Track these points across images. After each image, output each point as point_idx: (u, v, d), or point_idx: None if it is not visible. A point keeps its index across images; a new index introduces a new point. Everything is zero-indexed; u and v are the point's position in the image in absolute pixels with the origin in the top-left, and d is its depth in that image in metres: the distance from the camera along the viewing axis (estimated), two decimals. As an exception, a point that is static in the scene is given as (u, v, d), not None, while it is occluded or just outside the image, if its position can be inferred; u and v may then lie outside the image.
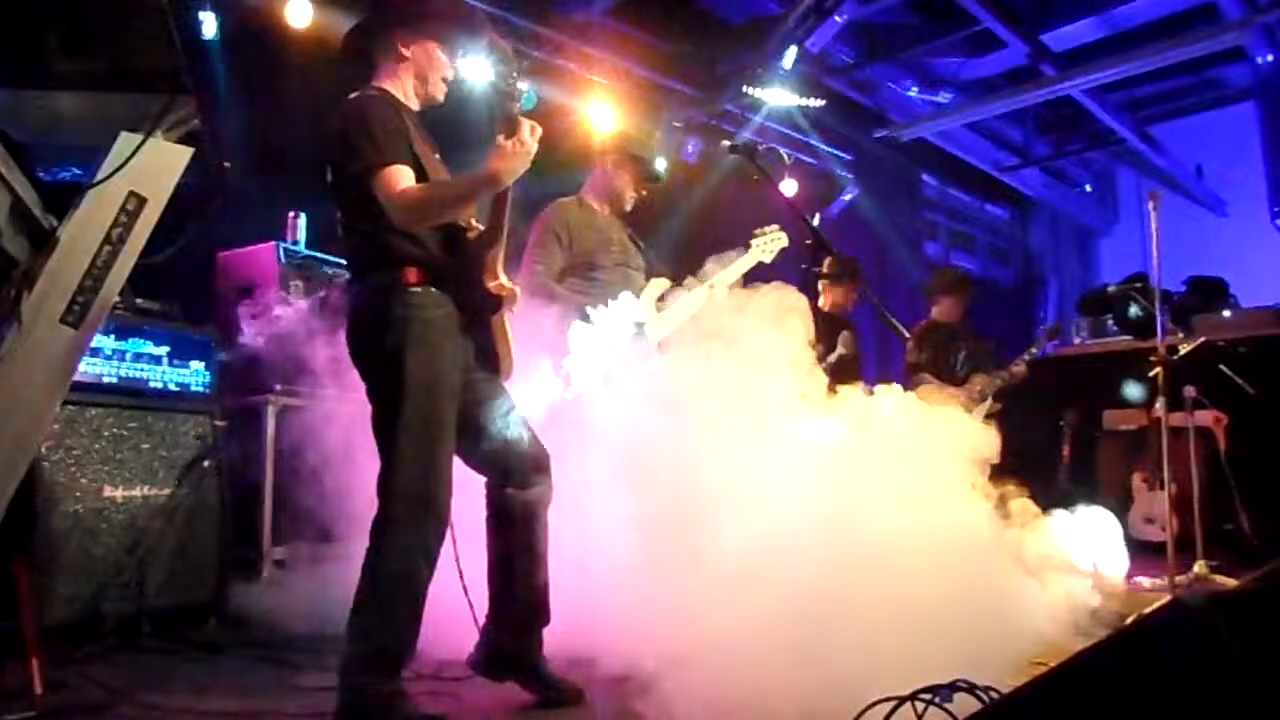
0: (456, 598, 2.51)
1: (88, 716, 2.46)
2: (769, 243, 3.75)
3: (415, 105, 2.54)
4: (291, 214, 4.30)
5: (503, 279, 2.50)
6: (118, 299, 2.56)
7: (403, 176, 2.30)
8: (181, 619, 3.42)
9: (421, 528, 2.28)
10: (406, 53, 2.51)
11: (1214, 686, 1.41)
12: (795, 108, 7.02)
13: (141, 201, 2.18)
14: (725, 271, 3.59)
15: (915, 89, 8.07)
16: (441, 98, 2.58)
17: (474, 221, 2.50)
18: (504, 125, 2.26)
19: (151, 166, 2.16)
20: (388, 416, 2.32)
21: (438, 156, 2.52)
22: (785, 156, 6.08)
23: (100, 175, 2.08)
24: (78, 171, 2.28)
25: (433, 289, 2.38)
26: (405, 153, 2.34)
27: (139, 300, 3.48)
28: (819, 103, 7.05)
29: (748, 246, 3.72)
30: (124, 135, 2.09)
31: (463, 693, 2.59)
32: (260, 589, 3.66)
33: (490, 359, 2.55)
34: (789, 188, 6.61)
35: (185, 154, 2.23)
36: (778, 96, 6.70)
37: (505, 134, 2.25)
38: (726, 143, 4.06)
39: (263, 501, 3.80)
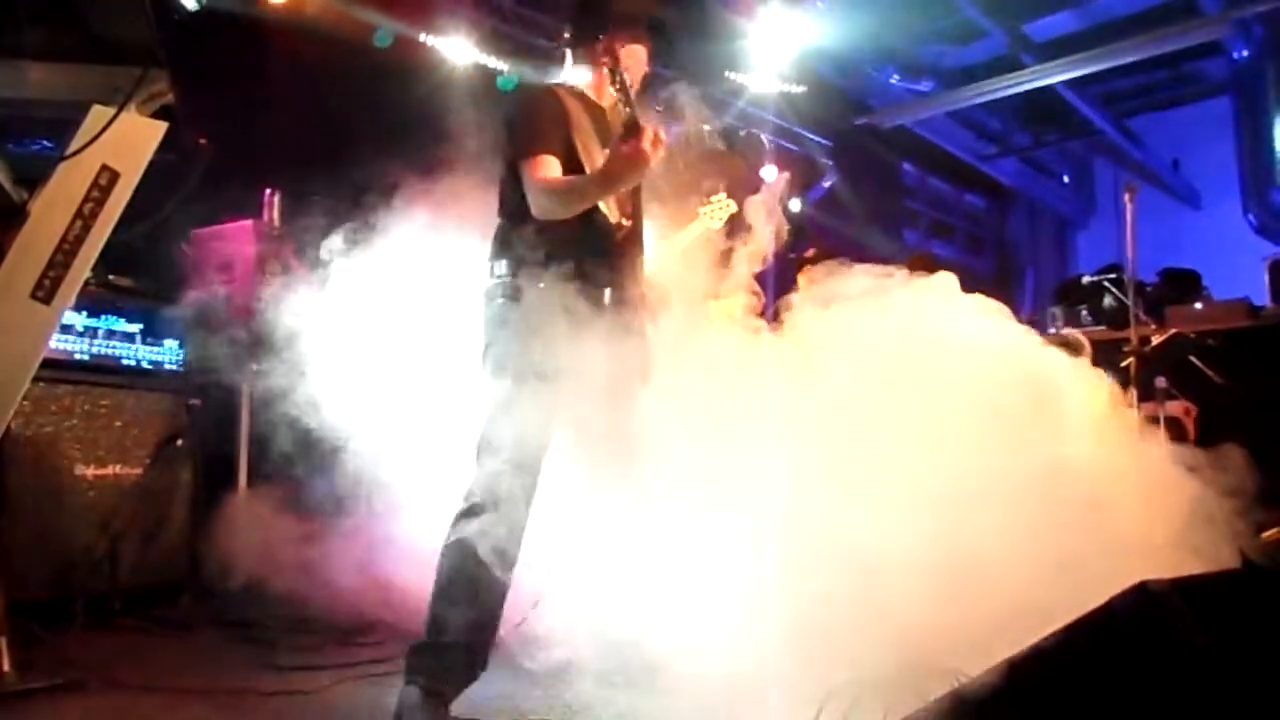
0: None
1: (58, 696, 2.44)
2: (716, 210, 3.76)
3: (601, 100, 2.55)
4: (268, 191, 4.26)
5: (644, 284, 2.50)
6: (90, 275, 2.52)
7: (545, 164, 2.32)
8: (154, 597, 3.40)
9: (495, 521, 2.25)
10: (589, 49, 2.54)
11: (1178, 670, 1.44)
12: (777, 93, 7.01)
13: (115, 176, 2.15)
14: (674, 238, 3.60)
15: (896, 77, 8.09)
16: (616, 93, 2.46)
17: (624, 221, 2.48)
18: (625, 129, 2.25)
19: (125, 140, 2.13)
20: (486, 404, 2.33)
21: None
22: (765, 142, 6.10)
23: (72, 148, 2.05)
24: (48, 144, 2.25)
25: (546, 283, 2.35)
26: (555, 142, 2.35)
27: (111, 276, 3.44)
28: (801, 89, 7.05)
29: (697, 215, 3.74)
30: (96, 108, 2.06)
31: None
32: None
33: (632, 364, 2.47)
34: (769, 173, 6.61)
35: (160, 128, 2.20)
36: (759, 82, 6.69)
37: (624, 137, 2.23)
38: (707, 127, 4.06)
39: (236, 481, 3.77)
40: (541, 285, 2.34)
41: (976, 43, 7.55)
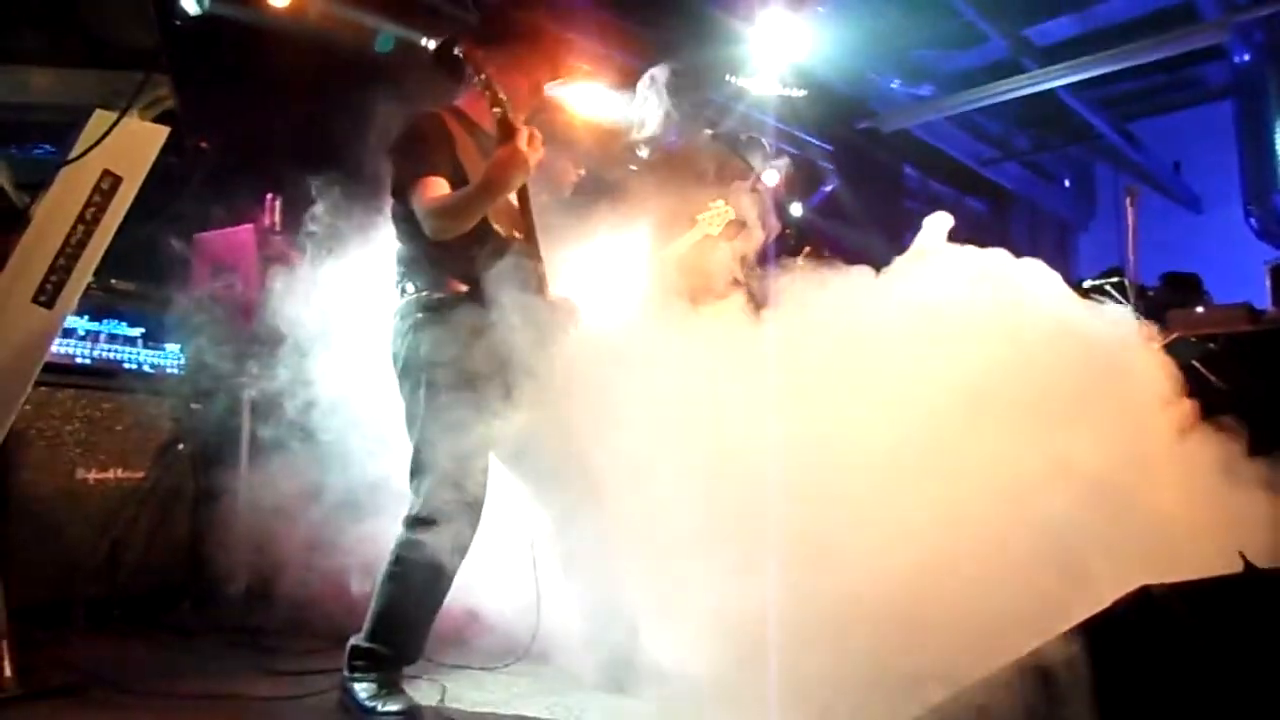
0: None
1: (58, 701, 2.44)
2: (715, 217, 3.78)
3: (482, 120, 2.53)
4: (269, 196, 4.26)
5: (551, 293, 2.50)
6: (92, 279, 2.53)
7: (433, 186, 2.33)
8: (154, 602, 3.39)
9: (438, 533, 2.30)
10: (473, 72, 2.50)
11: (1179, 672, 1.44)
12: (778, 97, 7.01)
13: (116, 180, 2.16)
14: (671, 246, 3.62)
15: (897, 81, 8.09)
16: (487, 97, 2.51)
17: (516, 233, 2.49)
18: (500, 131, 2.27)
19: (127, 145, 2.14)
20: (411, 415, 2.38)
21: None
22: (767, 146, 6.08)
23: (74, 153, 2.05)
24: (50, 149, 2.25)
25: (462, 297, 2.39)
26: (442, 164, 2.36)
27: (114, 281, 3.44)
28: (801, 93, 7.05)
29: (695, 222, 3.75)
30: (98, 113, 2.07)
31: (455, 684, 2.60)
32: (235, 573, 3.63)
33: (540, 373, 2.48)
34: (770, 177, 6.61)
35: (161, 133, 2.21)
36: (761, 86, 6.69)
37: (500, 140, 2.26)
38: (709, 131, 4.07)
39: (238, 485, 3.76)
40: (445, 301, 2.37)
41: (977, 47, 7.55)
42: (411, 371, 2.40)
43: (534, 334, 2.39)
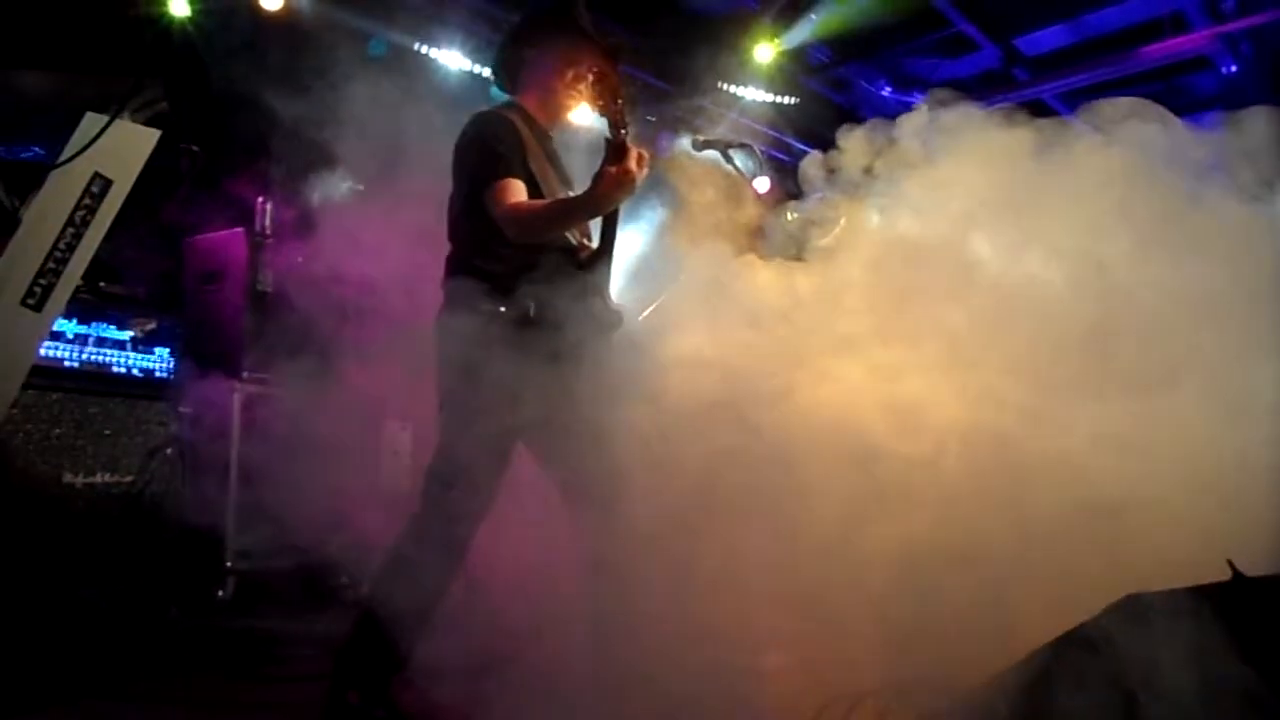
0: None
1: (44, 703, 2.42)
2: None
3: (547, 123, 2.52)
4: (260, 200, 4.25)
5: (609, 302, 2.47)
6: (81, 282, 2.52)
7: (514, 190, 2.30)
8: (142, 606, 3.37)
9: (449, 534, 2.29)
10: (533, 70, 2.51)
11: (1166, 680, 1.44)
12: (770, 104, 7.04)
13: (107, 183, 2.16)
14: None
15: (889, 89, 8.13)
16: (568, 116, 2.53)
17: (586, 241, 2.47)
18: (610, 151, 2.23)
19: (118, 148, 2.13)
20: (442, 420, 2.35)
21: (564, 188, 2.48)
22: (759, 153, 6.09)
23: (65, 156, 2.04)
24: (41, 151, 2.24)
25: (502, 311, 2.32)
26: (518, 168, 2.33)
27: (103, 284, 3.42)
28: (793, 100, 7.08)
29: None
30: (89, 115, 2.06)
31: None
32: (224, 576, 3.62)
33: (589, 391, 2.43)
34: (762, 184, 6.63)
35: (153, 136, 2.21)
36: (753, 93, 6.72)
37: (610, 160, 2.22)
38: (700, 138, 4.06)
39: (228, 490, 3.75)
40: (496, 314, 2.31)
41: (968, 56, 7.60)
42: (447, 374, 2.36)
43: (580, 347, 2.34)
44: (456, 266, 2.43)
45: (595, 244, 2.47)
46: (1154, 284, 2.47)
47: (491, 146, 2.34)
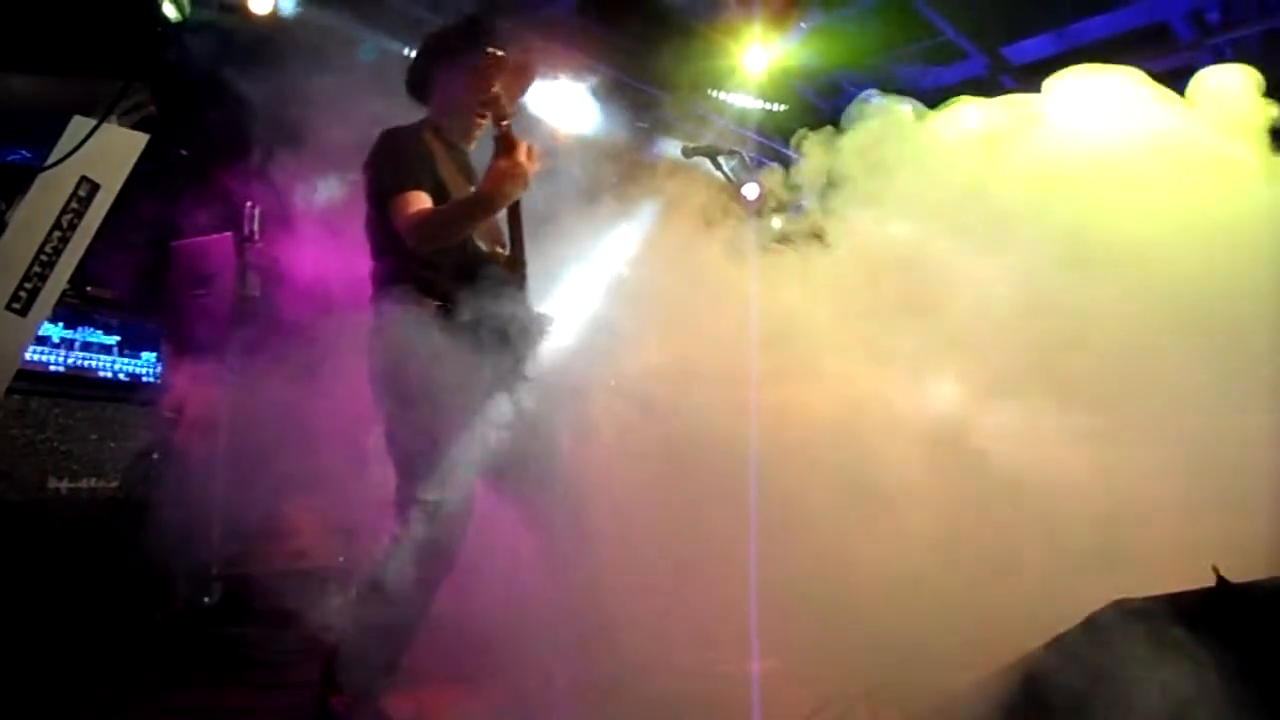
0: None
1: (30, 711, 2.40)
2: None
3: (458, 139, 2.53)
4: (248, 204, 4.23)
5: (530, 309, 2.47)
6: (67, 286, 2.50)
7: (416, 201, 2.29)
8: (128, 613, 3.35)
9: (431, 541, 2.28)
10: (439, 86, 2.52)
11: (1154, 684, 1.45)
12: (758, 111, 7.07)
13: (94, 187, 2.15)
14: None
15: (878, 96, 8.16)
16: (479, 132, 2.54)
17: (500, 250, 2.47)
18: (498, 145, 2.24)
19: (105, 152, 2.12)
20: (390, 432, 2.34)
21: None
22: (748, 159, 6.11)
23: (52, 159, 2.03)
24: (28, 155, 2.23)
25: (435, 314, 2.34)
26: (424, 177, 2.33)
27: (89, 288, 3.40)
28: (782, 107, 7.11)
29: None
30: (77, 119, 2.05)
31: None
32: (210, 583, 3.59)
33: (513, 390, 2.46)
34: (751, 191, 6.65)
35: (141, 140, 2.20)
36: (743, 100, 6.74)
37: (499, 153, 2.23)
38: (690, 145, 4.07)
39: (214, 495, 3.73)
40: (420, 322, 2.32)
41: (956, 64, 7.64)
42: (387, 388, 2.37)
43: (507, 351, 2.36)
44: (380, 281, 2.43)
45: (507, 250, 2.47)
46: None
47: (394, 160, 2.35)
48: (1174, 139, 2.57)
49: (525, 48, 2.55)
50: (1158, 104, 2.70)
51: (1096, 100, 2.78)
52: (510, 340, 2.40)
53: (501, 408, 2.41)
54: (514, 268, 2.45)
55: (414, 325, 2.33)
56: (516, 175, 2.22)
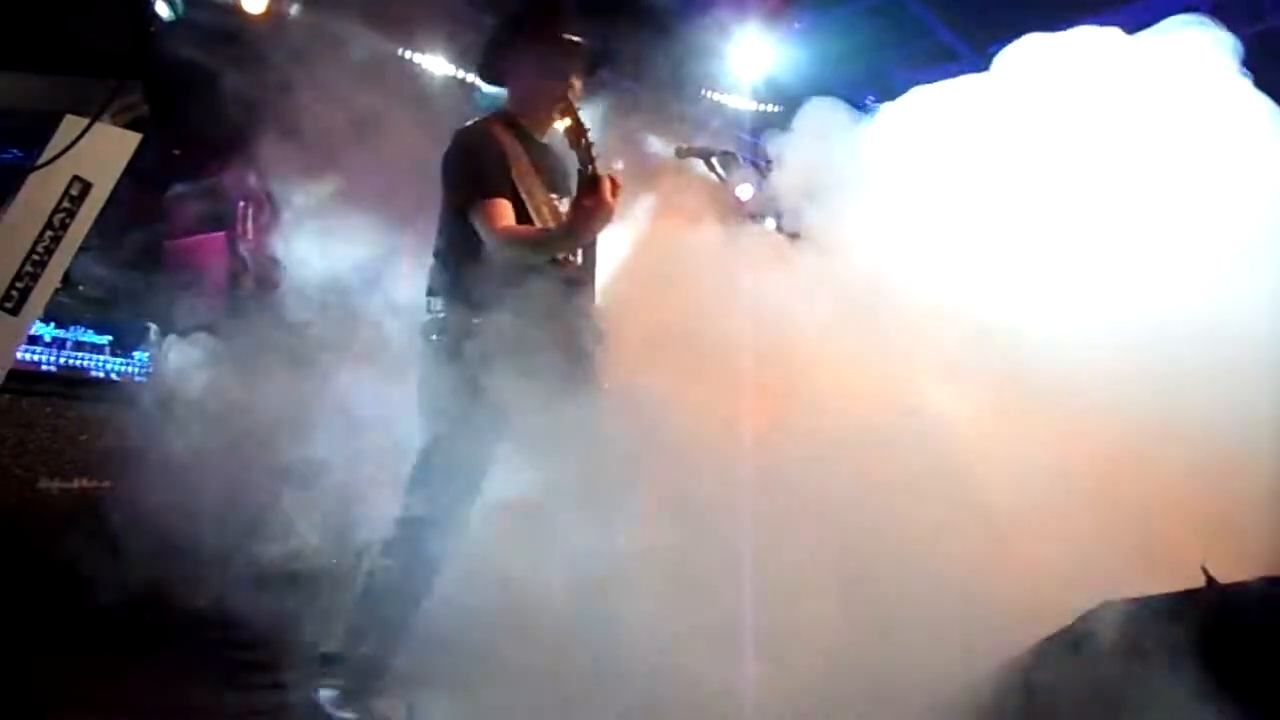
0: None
1: (21, 714, 2.39)
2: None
3: (533, 128, 2.52)
4: (242, 204, 4.23)
5: (592, 319, 2.48)
6: (59, 286, 2.50)
7: (501, 212, 2.31)
8: (119, 613, 3.34)
9: (433, 541, 2.31)
10: (513, 75, 2.53)
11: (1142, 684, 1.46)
12: (753, 113, 7.08)
13: (86, 187, 2.14)
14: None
15: (871, 98, 8.18)
16: (554, 124, 2.52)
17: (571, 257, 2.47)
18: (583, 184, 2.24)
19: (98, 151, 2.12)
20: (424, 425, 2.37)
21: (554, 194, 2.49)
22: (741, 161, 6.11)
23: (43, 158, 2.03)
24: (19, 154, 2.22)
25: (484, 322, 2.33)
26: (503, 184, 2.35)
27: (81, 287, 3.40)
28: (776, 108, 7.12)
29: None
30: (68, 118, 2.05)
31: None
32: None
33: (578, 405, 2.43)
34: (744, 192, 6.66)
35: (133, 140, 2.19)
36: (737, 101, 6.75)
37: (585, 194, 2.23)
38: (684, 145, 4.06)
39: (206, 495, 3.71)
40: (480, 324, 2.31)
41: (949, 65, 7.67)
42: (430, 384, 2.37)
43: (566, 361, 2.34)
44: (443, 278, 2.44)
45: (579, 260, 2.47)
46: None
47: (474, 164, 2.36)
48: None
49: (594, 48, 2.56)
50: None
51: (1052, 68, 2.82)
52: (582, 350, 2.43)
53: (573, 418, 2.36)
54: (583, 279, 2.48)
55: (478, 322, 2.32)
56: (603, 214, 2.24)
